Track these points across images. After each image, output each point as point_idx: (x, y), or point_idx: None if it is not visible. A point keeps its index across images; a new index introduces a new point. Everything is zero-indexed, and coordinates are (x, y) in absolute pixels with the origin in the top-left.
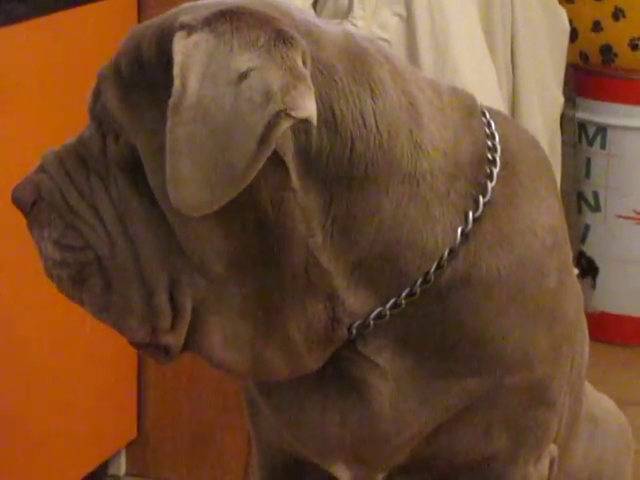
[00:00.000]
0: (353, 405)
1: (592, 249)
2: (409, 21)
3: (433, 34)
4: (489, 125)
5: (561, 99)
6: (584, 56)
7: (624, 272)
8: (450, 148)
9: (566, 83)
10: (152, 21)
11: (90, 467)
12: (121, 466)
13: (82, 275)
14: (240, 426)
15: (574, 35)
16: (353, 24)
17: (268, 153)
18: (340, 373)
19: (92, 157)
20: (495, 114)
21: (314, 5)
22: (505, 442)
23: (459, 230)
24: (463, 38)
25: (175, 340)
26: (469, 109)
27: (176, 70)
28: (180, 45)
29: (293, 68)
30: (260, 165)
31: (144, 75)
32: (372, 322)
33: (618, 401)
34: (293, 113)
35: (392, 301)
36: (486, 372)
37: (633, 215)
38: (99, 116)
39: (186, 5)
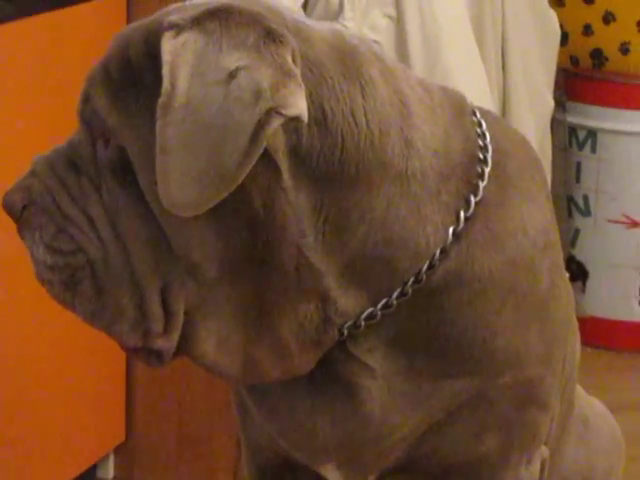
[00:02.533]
0: (344, 406)
1: (582, 253)
2: (399, 22)
3: (424, 36)
4: (480, 124)
5: (552, 103)
6: (575, 60)
7: (614, 276)
8: (441, 147)
9: (557, 87)
10: (140, 22)
11: (78, 470)
12: (109, 470)
13: (73, 279)
14: (229, 429)
15: (565, 39)
16: (343, 25)
17: (259, 152)
18: (331, 374)
19: (83, 160)
20: (486, 114)
21: (304, 7)
22: (496, 443)
23: (450, 230)
24: (454, 40)
25: (167, 344)
26: (460, 108)
27: (165, 70)
28: (169, 45)
29: (283, 66)
30: (251, 164)
31: (133, 76)
32: (363, 322)
33: (609, 406)
34: (284, 111)
35: (383, 301)
36: (478, 372)
37: (623, 219)
38: (89, 119)
39: (174, 6)
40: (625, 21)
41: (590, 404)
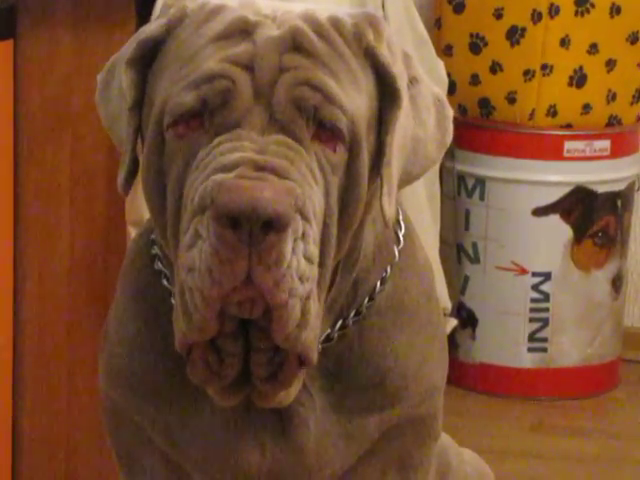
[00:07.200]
0: (277, 436)
1: (472, 300)
2: None
3: None
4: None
5: None
6: (463, 109)
7: (503, 323)
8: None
9: None
10: None
11: None
12: None
13: None
14: None
15: (453, 88)
16: None
17: None
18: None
19: None
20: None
21: None
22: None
23: (389, 267)
24: None
25: None
26: None
27: None
28: None
29: None
30: None
31: None
32: (320, 346)
33: (498, 452)
34: None
35: (325, 334)
36: (405, 402)
37: (512, 266)
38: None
39: None
40: (512, 71)
41: (458, 452)
